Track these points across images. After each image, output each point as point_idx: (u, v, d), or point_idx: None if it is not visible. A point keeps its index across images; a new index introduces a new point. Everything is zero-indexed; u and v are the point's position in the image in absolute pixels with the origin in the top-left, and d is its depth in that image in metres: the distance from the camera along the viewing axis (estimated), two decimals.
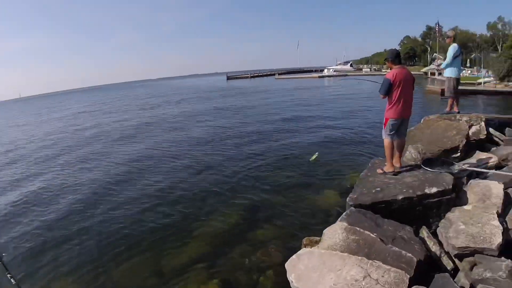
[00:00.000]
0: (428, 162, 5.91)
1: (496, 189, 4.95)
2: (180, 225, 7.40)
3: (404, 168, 5.87)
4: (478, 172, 5.86)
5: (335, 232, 4.32)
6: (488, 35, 74.78)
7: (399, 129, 5.75)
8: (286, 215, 7.42)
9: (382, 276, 3.50)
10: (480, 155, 6.62)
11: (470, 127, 7.42)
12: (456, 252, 4.05)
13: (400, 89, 5.45)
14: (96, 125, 24.68)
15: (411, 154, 6.60)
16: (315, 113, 22.64)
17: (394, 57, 5.59)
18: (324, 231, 4.45)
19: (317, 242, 4.54)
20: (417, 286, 3.45)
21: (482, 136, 7.30)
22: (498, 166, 6.13)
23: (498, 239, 3.92)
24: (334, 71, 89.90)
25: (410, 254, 3.81)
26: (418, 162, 6.12)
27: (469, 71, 51.51)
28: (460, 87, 9.26)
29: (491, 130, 7.49)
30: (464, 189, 5.27)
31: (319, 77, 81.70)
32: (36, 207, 9.24)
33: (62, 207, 9.04)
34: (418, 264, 3.71)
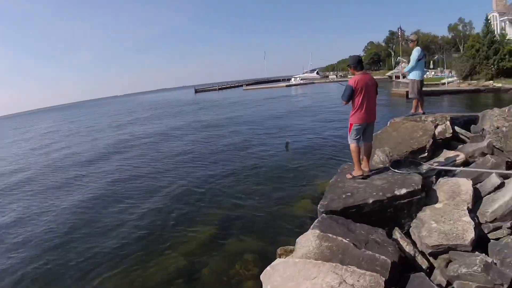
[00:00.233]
0: (396, 164, 5.94)
1: (465, 185, 5.00)
2: (154, 241, 7.22)
3: (373, 172, 5.87)
4: (446, 170, 5.93)
5: (308, 240, 4.24)
6: (450, 36, 77.36)
7: (365, 134, 5.78)
8: (261, 225, 7.36)
9: (358, 281, 3.45)
10: (447, 153, 6.70)
11: (436, 126, 7.50)
12: (430, 250, 4.06)
13: (363, 94, 5.46)
14: (65, 147, 23.76)
15: (379, 157, 6.61)
16: (283, 122, 22.88)
17: (356, 63, 5.62)
18: (297, 240, 4.39)
19: (291, 251, 4.46)
20: None
21: (448, 135, 7.39)
22: (466, 163, 6.21)
23: (470, 235, 3.95)
24: (301, 79, 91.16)
25: (384, 257, 3.77)
26: (387, 165, 6.12)
27: (433, 72, 53.16)
28: (424, 89, 9.44)
29: (456, 128, 7.60)
30: (434, 188, 5.30)
31: (287, 86, 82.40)
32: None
33: (28, 234, 8.61)
34: (393, 266, 3.68)
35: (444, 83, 35.90)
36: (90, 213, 9.47)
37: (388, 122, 8.55)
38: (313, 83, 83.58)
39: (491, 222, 4.31)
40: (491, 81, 32.65)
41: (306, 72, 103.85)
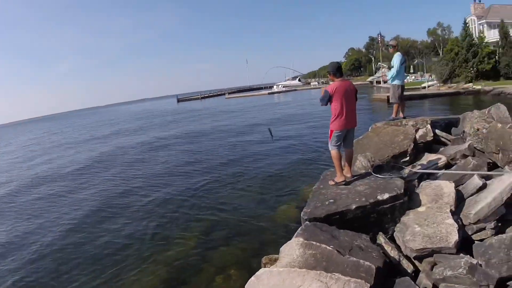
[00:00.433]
0: (378, 168, 5.93)
1: (448, 188, 5.01)
2: (136, 254, 7.03)
3: (355, 177, 5.85)
4: (428, 173, 5.93)
5: (292, 249, 4.18)
6: (429, 40, 78.59)
7: (346, 140, 5.78)
8: (244, 234, 7.26)
9: None
10: (429, 156, 6.72)
11: (416, 130, 7.54)
12: (414, 254, 4.05)
13: (342, 101, 5.46)
14: (47, 160, 23.21)
15: (361, 162, 6.60)
16: (265, 129, 22.69)
17: (336, 70, 5.62)
18: (281, 249, 4.32)
19: (276, 260, 4.38)
20: None
21: (429, 138, 7.43)
22: (448, 166, 6.25)
23: (454, 237, 3.94)
24: (284, 87, 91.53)
25: (368, 263, 3.73)
26: (369, 170, 6.11)
27: (413, 77, 54.00)
28: (405, 93, 9.50)
29: (437, 131, 7.65)
30: (416, 191, 5.30)
31: (269, 93, 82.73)
32: None
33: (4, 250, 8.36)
34: (378, 272, 3.64)
35: (424, 87, 36.44)
36: (71, 224, 9.30)
37: (370, 127, 8.58)
38: (295, 90, 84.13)
39: (474, 223, 4.31)
40: (470, 84, 33.37)
41: (289, 79, 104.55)
